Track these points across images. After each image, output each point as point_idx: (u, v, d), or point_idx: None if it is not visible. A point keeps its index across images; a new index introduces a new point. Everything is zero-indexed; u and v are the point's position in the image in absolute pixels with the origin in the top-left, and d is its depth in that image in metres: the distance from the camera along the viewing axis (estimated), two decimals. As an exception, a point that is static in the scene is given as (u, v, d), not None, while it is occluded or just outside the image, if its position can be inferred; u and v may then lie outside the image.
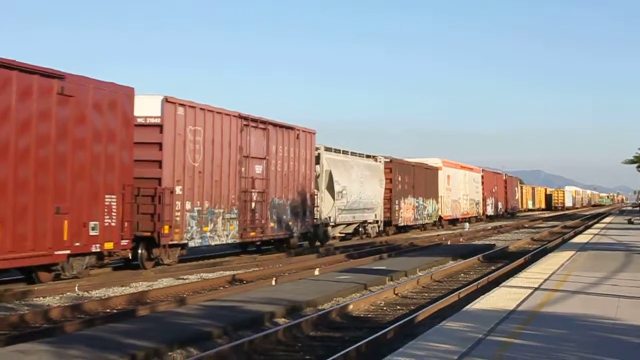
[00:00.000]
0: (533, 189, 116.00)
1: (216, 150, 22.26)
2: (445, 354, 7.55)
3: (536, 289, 13.09)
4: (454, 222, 53.29)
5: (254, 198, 24.34)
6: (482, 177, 63.14)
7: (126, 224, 18.15)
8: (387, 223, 39.06)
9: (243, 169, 23.65)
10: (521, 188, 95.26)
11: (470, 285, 16.85)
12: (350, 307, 13.57)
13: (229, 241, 23.29)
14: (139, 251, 19.87)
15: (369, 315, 13.43)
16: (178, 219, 20.38)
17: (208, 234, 21.91)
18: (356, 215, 34.10)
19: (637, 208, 59.36)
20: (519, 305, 11.11)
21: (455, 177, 53.39)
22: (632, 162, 71.67)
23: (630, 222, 46.58)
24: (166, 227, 19.73)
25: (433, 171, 48.11)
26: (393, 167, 39.77)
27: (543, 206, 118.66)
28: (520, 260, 22.61)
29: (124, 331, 10.49)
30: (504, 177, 75.58)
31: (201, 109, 21.58)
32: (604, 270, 16.43)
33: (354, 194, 32.93)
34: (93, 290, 16.19)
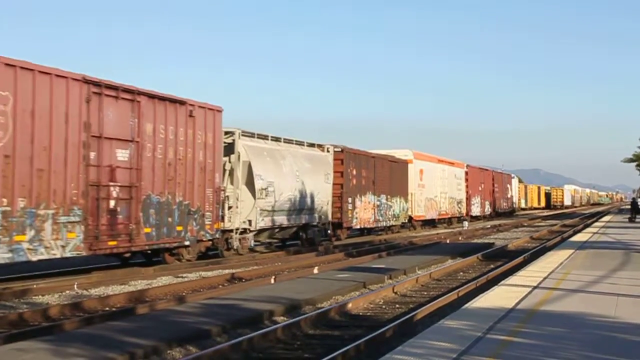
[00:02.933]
0: (525, 187, 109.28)
1: (40, 125, 15.82)
2: (444, 352, 7.54)
3: (535, 287, 13.09)
4: (430, 223, 48.04)
5: (114, 194, 17.91)
6: (467, 173, 57.19)
7: None
8: (338, 225, 32.53)
9: (93, 154, 17.29)
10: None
11: (469, 284, 16.85)
12: (350, 305, 13.56)
13: (68, 254, 16.57)
14: None
15: (368, 314, 13.42)
16: None
17: (25, 245, 15.33)
18: (291, 217, 27.39)
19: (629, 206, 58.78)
20: (518, 303, 11.11)
21: (430, 172, 47.09)
22: (631, 160, 71.85)
23: (631, 220, 46.53)
24: None
25: (401, 165, 41.46)
26: (345, 159, 33.00)
27: (536, 205, 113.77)
28: (520, 259, 22.61)
29: (123, 329, 10.49)
30: (492, 174, 68.66)
31: (9, 64, 15.16)
32: (603, 268, 16.43)
33: (287, 191, 26.63)
34: (92, 288, 16.20)
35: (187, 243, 20.94)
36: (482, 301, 11.43)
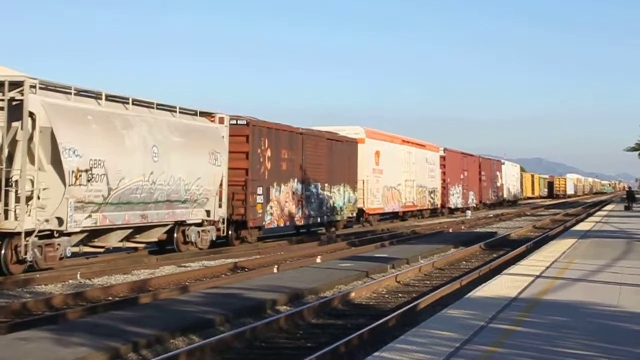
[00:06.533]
0: (521, 175, 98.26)
1: None
2: (447, 342, 7.54)
3: (538, 276, 13.09)
4: (393, 216, 41.20)
5: None
6: (443, 158, 48.91)
7: None
8: (242, 224, 24.14)
9: None
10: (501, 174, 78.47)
11: (472, 273, 16.87)
12: (352, 294, 13.57)
13: None
14: None
15: (371, 303, 13.44)
16: None
17: None
18: (151, 213, 19.21)
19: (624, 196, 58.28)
20: (520, 292, 11.11)
21: (390, 155, 38.64)
22: (634, 149, 71.74)
23: (627, 208, 46.75)
24: None
25: (347, 145, 32.73)
26: (253, 135, 24.27)
27: (530, 194, 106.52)
28: (522, 248, 22.62)
29: (125, 318, 10.51)
30: (479, 160, 59.76)
31: None
32: (605, 257, 16.43)
33: (135, 175, 18.23)
34: (95, 277, 16.23)
35: None
36: (484, 290, 11.43)
